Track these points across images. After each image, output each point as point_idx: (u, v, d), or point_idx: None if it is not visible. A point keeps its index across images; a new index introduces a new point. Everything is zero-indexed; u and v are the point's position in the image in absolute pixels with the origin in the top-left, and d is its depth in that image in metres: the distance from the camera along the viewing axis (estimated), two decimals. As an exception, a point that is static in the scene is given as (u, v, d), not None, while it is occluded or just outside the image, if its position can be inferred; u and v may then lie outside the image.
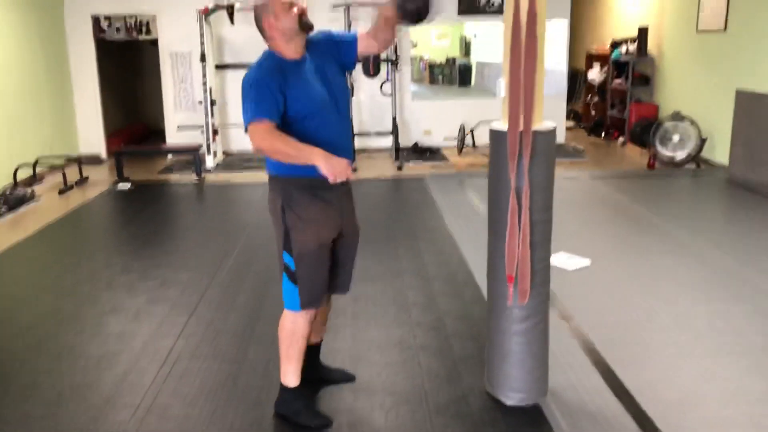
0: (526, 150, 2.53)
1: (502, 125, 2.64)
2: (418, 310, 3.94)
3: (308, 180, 2.56)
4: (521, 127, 2.50)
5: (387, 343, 3.54)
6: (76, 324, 3.86)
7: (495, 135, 2.68)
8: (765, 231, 5.41)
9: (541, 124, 2.65)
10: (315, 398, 2.99)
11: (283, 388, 2.85)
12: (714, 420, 2.81)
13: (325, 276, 2.72)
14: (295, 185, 2.60)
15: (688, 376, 3.16)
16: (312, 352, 3.06)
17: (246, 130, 2.48)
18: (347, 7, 8.69)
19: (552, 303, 3.96)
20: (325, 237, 2.67)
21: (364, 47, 2.67)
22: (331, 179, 2.40)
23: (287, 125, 2.50)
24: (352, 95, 9.02)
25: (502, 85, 2.54)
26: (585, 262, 4.69)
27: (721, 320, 3.74)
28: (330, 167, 2.39)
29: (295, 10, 2.50)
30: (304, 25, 2.52)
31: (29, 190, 7.01)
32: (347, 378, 3.15)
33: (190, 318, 3.90)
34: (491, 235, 2.83)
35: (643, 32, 9.34)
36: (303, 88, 2.54)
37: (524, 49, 2.43)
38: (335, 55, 2.67)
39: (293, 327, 2.74)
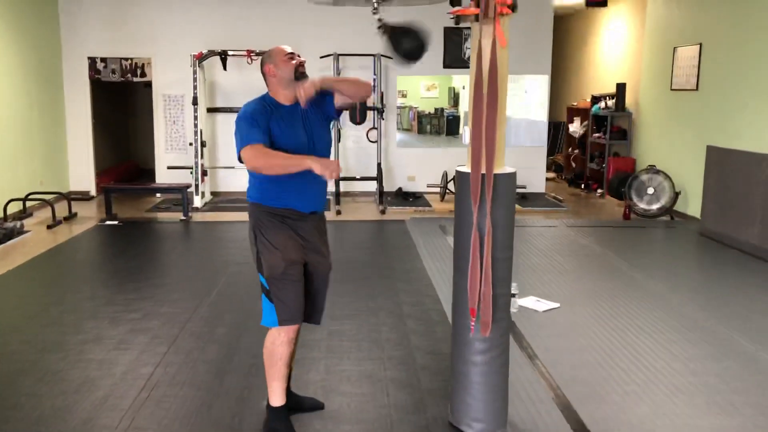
0: (488, 191, 2.74)
1: (467, 168, 2.86)
2: (391, 346, 4.10)
3: (280, 210, 2.90)
4: (483, 170, 2.71)
5: (358, 375, 3.69)
6: (59, 351, 3.99)
7: (460, 176, 2.90)
8: (729, 281, 5.63)
9: (502, 168, 2.87)
10: (286, 425, 3.12)
11: (269, 408, 3.06)
12: (663, 453, 2.97)
13: (299, 294, 2.93)
14: (266, 213, 2.91)
15: (642, 413, 3.32)
16: None
17: (240, 158, 2.78)
18: (336, 56, 9.01)
19: (518, 341, 4.16)
20: (290, 260, 2.90)
21: (339, 100, 3.00)
22: (327, 177, 2.70)
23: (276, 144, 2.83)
24: (339, 141, 9.30)
25: (467, 133, 2.77)
26: (554, 304, 4.88)
27: (679, 362, 3.92)
28: (323, 166, 2.68)
29: (293, 62, 2.90)
30: (299, 75, 2.90)
31: (19, 224, 7.16)
32: (317, 406, 3.29)
33: (170, 348, 4.04)
34: (456, 271, 3.02)
35: (621, 88, 9.72)
36: (286, 128, 2.86)
37: (486, 101, 2.66)
38: (320, 106, 3.00)
39: (272, 348, 2.95)
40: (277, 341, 2.94)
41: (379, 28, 2.94)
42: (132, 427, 3.11)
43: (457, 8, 2.86)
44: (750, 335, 4.33)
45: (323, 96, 2.98)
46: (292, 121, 2.89)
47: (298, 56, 2.98)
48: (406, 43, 2.87)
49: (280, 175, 2.79)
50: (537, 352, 4.02)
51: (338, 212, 8.49)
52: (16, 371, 3.71)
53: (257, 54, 8.64)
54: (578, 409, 3.34)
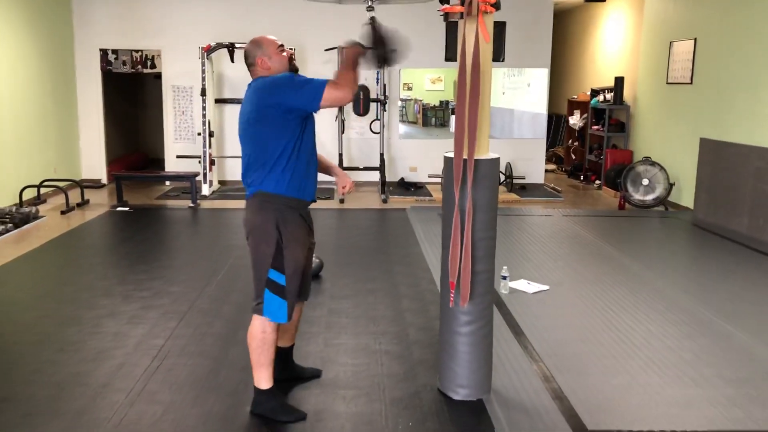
0: (469, 174, 2.99)
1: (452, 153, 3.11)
2: (386, 322, 4.36)
3: (296, 201, 3.02)
4: (465, 155, 2.96)
5: (354, 348, 3.95)
6: (76, 324, 4.27)
7: (447, 161, 3.16)
8: (716, 268, 5.86)
9: (486, 154, 3.13)
10: (288, 394, 3.38)
11: (258, 391, 3.15)
12: (633, 419, 3.21)
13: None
14: (287, 206, 2.99)
15: (617, 383, 3.57)
16: (286, 355, 3.48)
17: (321, 100, 2.81)
18: (341, 49, 9.24)
19: (507, 320, 4.42)
20: (307, 254, 3.12)
21: None
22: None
23: (304, 129, 2.96)
24: (342, 132, 9.56)
25: (453, 121, 3.01)
26: (544, 287, 5.13)
27: (657, 339, 4.17)
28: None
29: (284, 53, 3.05)
30: (293, 67, 3.06)
31: (34, 209, 7.45)
32: (315, 374, 3.55)
33: (180, 323, 4.32)
34: (443, 249, 3.27)
35: (619, 82, 9.93)
36: None
37: (469, 91, 2.91)
38: None
39: (264, 336, 3.05)
40: (269, 329, 3.04)
41: (369, 9, 3.09)
42: (145, 390, 3.38)
43: (445, 6, 3.11)
44: (728, 317, 4.57)
45: None
46: None
47: (284, 46, 3.09)
48: (380, 48, 2.89)
49: (308, 164, 2.96)
50: (523, 329, 4.28)
51: (341, 201, 8.75)
52: (36, 341, 3.99)
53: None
54: (558, 378, 3.59)
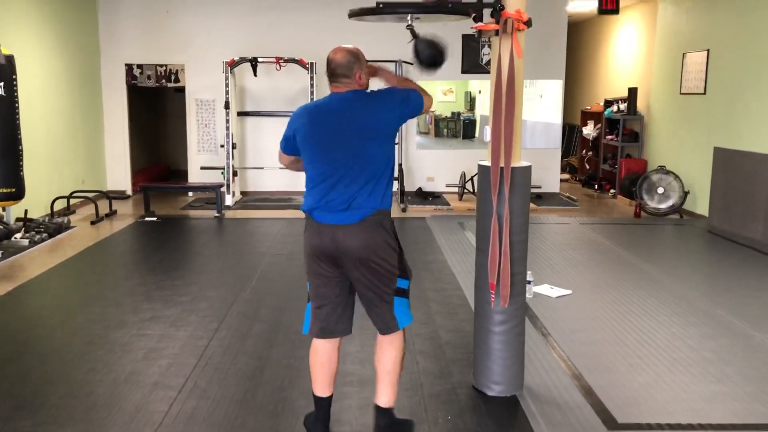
0: (506, 181, 3.18)
1: (488, 162, 3.31)
2: (417, 325, 4.54)
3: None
4: (502, 163, 3.16)
5: (390, 348, 4.14)
6: (122, 327, 4.48)
7: (482, 169, 3.36)
8: (733, 272, 6.03)
9: (519, 162, 3.32)
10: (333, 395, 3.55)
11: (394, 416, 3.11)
12: (660, 413, 3.38)
13: None
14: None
15: (643, 380, 3.74)
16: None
17: (423, 109, 2.94)
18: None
19: (533, 322, 4.60)
20: None
21: None
22: None
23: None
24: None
25: (488, 131, 3.22)
26: (566, 291, 5.31)
27: (679, 340, 4.34)
28: None
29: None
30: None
31: (66, 220, 7.68)
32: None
33: (221, 325, 4.52)
34: (478, 252, 3.47)
35: (632, 92, 10.12)
36: None
37: (505, 103, 3.11)
38: None
39: (404, 349, 3.08)
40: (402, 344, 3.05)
41: (408, 27, 3.30)
42: (196, 387, 3.58)
43: (479, 23, 3.32)
44: (747, 319, 4.73)
45: None
46: None
47: None
48: (426, 52, 3.20)
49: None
50: (550, 331, 4.46)
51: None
52: (88, 342, 4.21)
53: (285, 60, 9.15)
54: (586, 376, 3.77)
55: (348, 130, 2.80)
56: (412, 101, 2.89)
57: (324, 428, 3.09)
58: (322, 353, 3.04)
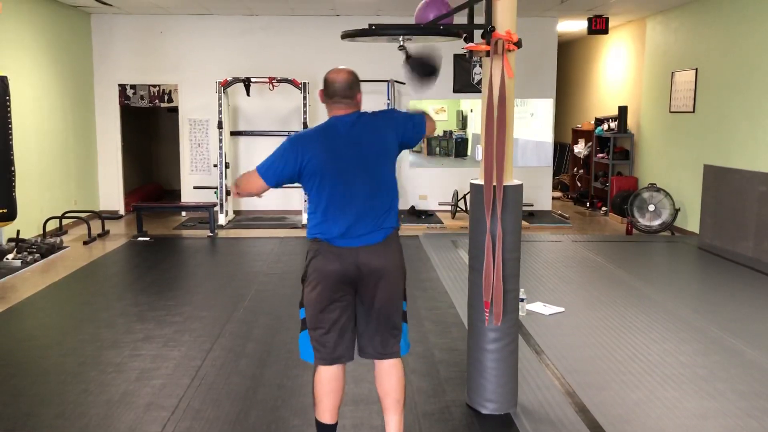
0: (498, 200, 3.21)
1: (481, 181, 3.34)
2: (411, 343, 4.53)
3: None
4: (494, 182, 3.19)
5: (384, 367, 4.14)
6: (116, 347, 4.47)
7: (474, 188, 3.39)
8: (723, 289, 6.07)
9: (510, 180, 3.36)
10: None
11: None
12: (654, 429, 3.39)
13: None
14: None
15: (636, 397, 3.76)
16: None
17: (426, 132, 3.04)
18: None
19: (527, 340, 4.60)
20: None
21: None
22: None
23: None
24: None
25: (480, 150, 3.25)
26: (559, 309, 5.33)
27: (671, 357, 4.36)
28: None
29: None
30: None
31: (58, 240, 7.67)
32: None
33: (214, 345, 4.52)
34: (471, 270, 3.49)
35: (622, 111, 10.22)
36: None
37: (497, 122, 3.15)
38: None
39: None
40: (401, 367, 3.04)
41: (400, 48, 3.36)
42: (189, 407, 3.57)
43: (470, 44, 3.37)
44: (739, 335, 4.76)
45: None
46: None
47: None
48: (420, 68, 3.24)
49: None
50: (543, 349, 4.47)
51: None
52: (81, 363, 4.19)
53: (278, 80, 9.20)
54: (580, 394, 3.78)
55: (365, 155, 2.81)
56: (418, 126, 2.97)
57: None
58: (333, 380, 2.95)
